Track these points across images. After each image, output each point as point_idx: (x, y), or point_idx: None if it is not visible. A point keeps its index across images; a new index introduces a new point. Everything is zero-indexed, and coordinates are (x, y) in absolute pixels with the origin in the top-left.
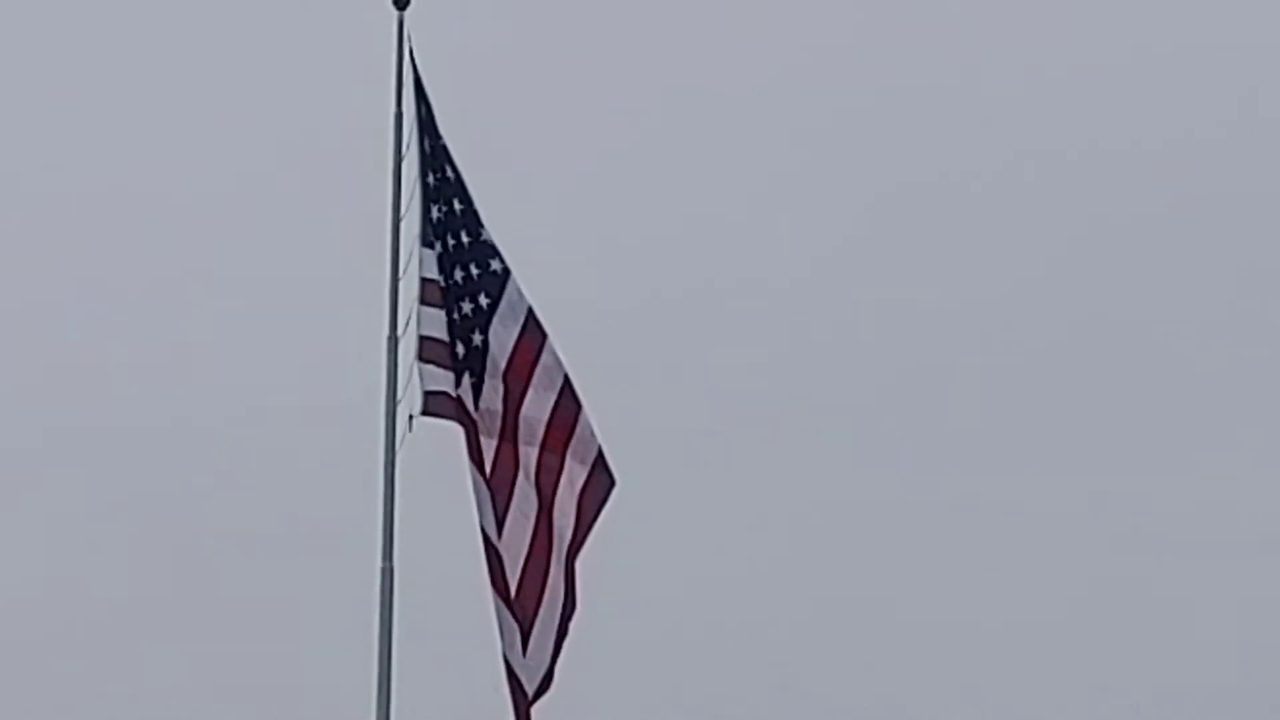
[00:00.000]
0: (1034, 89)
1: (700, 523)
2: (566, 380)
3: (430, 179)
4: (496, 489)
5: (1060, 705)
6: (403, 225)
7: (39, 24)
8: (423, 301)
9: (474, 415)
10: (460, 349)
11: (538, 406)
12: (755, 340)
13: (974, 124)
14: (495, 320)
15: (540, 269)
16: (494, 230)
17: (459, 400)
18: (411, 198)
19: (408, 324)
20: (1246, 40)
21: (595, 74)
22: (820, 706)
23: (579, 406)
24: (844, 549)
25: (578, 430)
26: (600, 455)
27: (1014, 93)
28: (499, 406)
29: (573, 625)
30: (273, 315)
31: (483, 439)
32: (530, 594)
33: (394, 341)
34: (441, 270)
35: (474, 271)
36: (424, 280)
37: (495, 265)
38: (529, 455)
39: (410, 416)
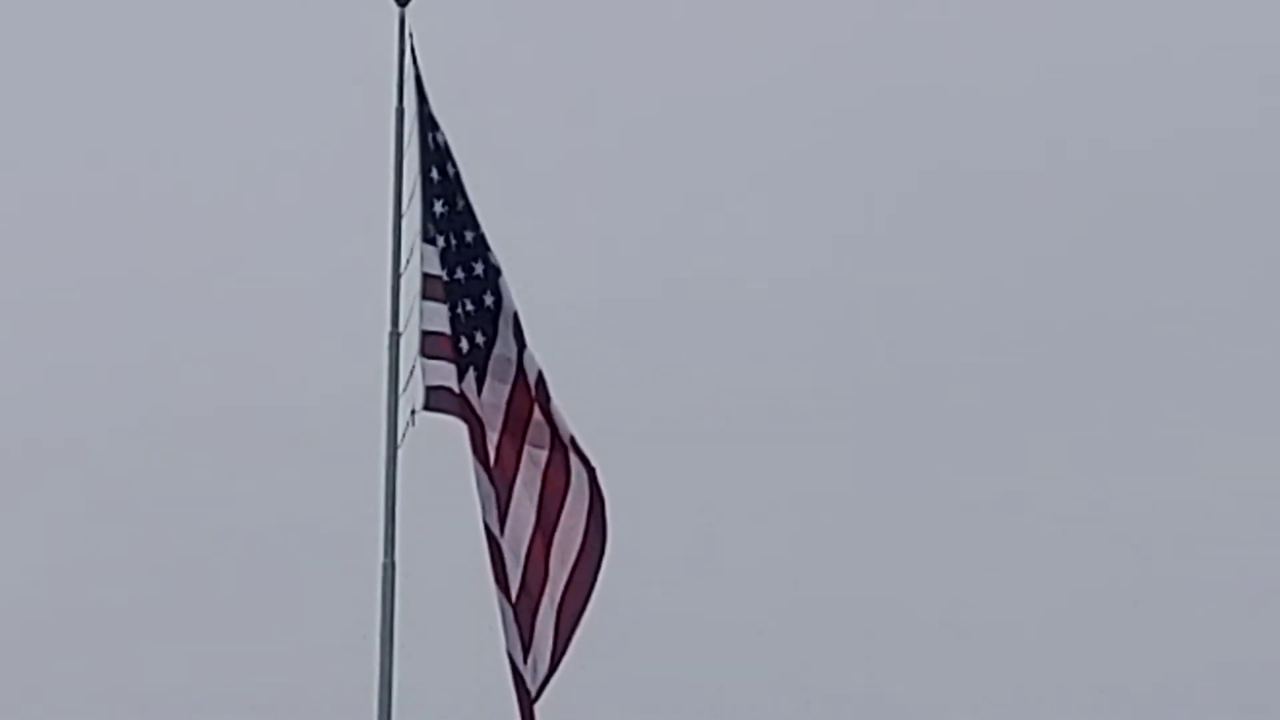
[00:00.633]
0: (1041, 84)
1: (701, 522)
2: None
3: (433, 175)
4: (498, 485)
5: (1060, 705)
6: (404, 221)
7: (39, 24)
8: (425, 296)
9: (478, 410)
10: (464, 344)
11: (544, 413)
12: (756, 338)
13: (980, 121)
14: (500, 320)
15: (540, 266)
16: (493, 228)
17: (462, 395)
18: (413, 194)
19: (409, 319)
20: (1255, 35)
21: (596, 71)
22: (820, 706)
23: (567, 428)
24: (845, 547)
25: (575, 442)
26: (574, 443)
27: (1021, 89)
28: (502, 402)
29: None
30: (274, 311)
31: (486, 435)
32: (532, 591)
33: (395, 337)
34: (444, 266)
35: (477, 269)
36: (426, 275)
37: (492, 259)
38: (537, 456)
39: (412, 411)
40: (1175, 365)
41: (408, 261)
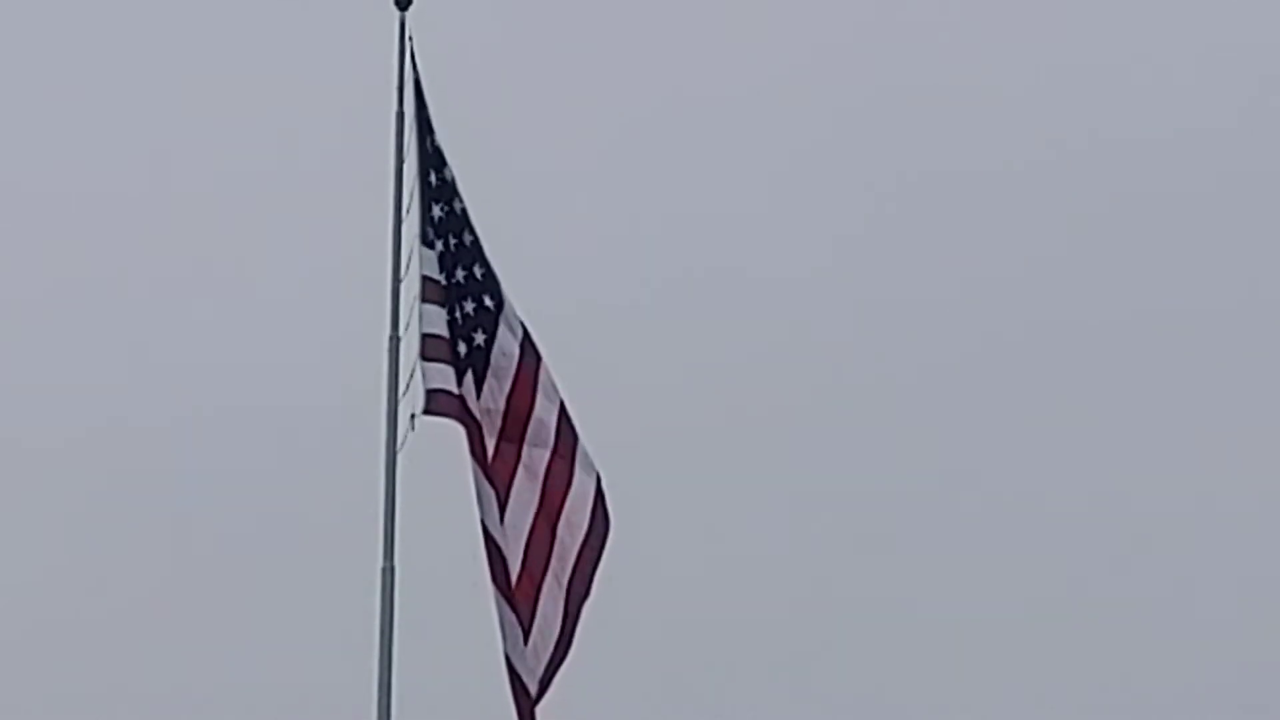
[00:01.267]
0: (1042, 84)
1: (701, 521)
2: (562, 402)
3: (432, 178)
4: (497, 487)
5: (1060, 705)
6: (404, 224)
7: (39, 24)
8: (424, 299)
9: (475, 413)
10: (462, 347)
11: (546, 414)
12: (756, 338)
13: (980, 121)
14: (501, 322)
15: (541, 267)
16: (493, 229)
17: (461, 398)
18: (412, 197)
19: (409, 323)
20: (1255, 35)
21: (595, 73)
22: (820, 706)
23: (575, 431)
24: (845, 546)
25: (580, 446)
26: (599, 482)
27: (1021, 89)
28: (500, 405)
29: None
30: (275, 315)
31: (484, 437)
32: (530, 593)
33: (395, 341)
34: (443, 269)
35: (477, 271)
36: (425, 278)
37: (483, 272)
38: (537, 457)
39: (412, 415)
40: (1175, 365)
41: (407, 265)
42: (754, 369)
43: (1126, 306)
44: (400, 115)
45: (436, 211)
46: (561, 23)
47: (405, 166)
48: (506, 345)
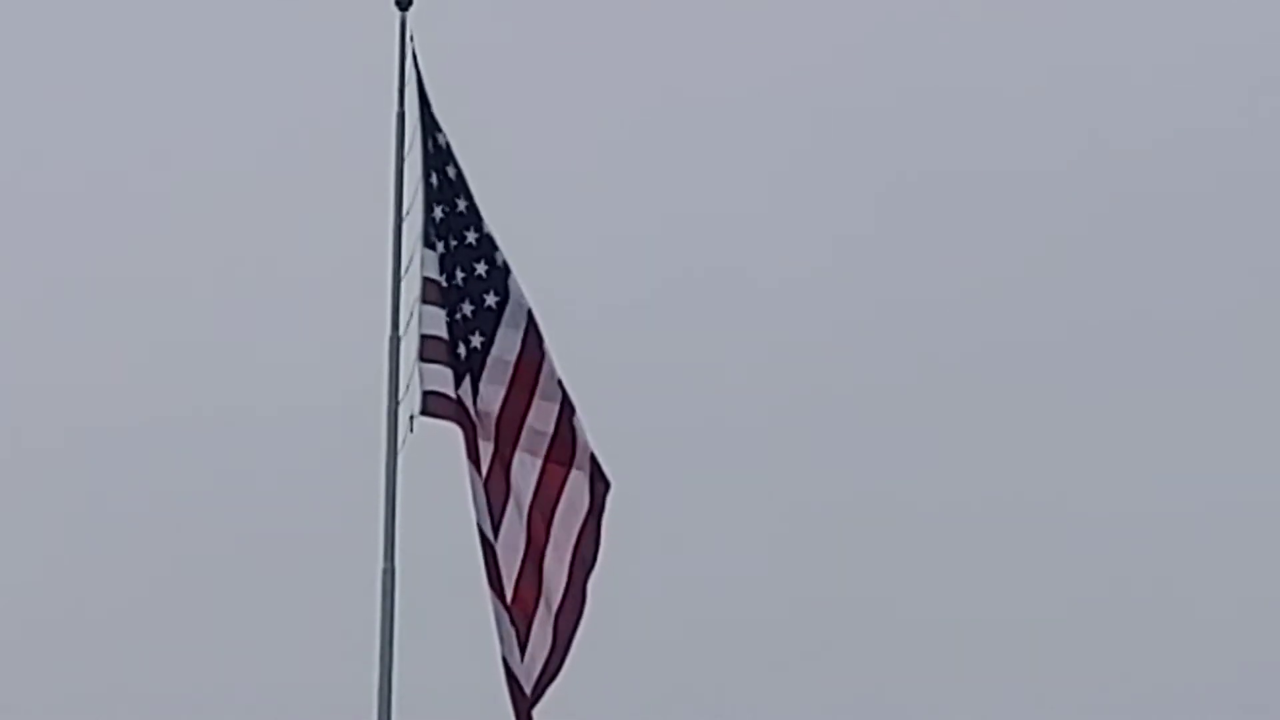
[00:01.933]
0: (1042, 84)
1: (701, 521)
2: (564, 389)
3: (433, 179)
4: (492, 491)
5: (1060, 705)
6: (405, 225)
7: (39, 25)
8: (424, 300)
9: (473, 416)
10: (461, 350)
11: (542, 418)
12: (755, 338)
13: (981, 121)
14: (501, 324)
15: (542, 267)
16: (495, 228)
17: (459, 401)
18: (414, 198)
19: (409, 324)
20: (1254, 35)
21: (597, 73)
22: (820, 706)
23: (574, 412)
24: (845, 547)
25: (578, 440)
26: (594, 460)
27: (1021, 89)
28: (495, 410)
29: (577, 637)
30: (276, 315)
31: (480, 441)
32: (526, 596)
33: (396, 341)
34: (443, 271)
35: (479, 270)
36: (425, 279)
37: (499, 258)
38: (530, 463)
39: (411, 417)
40: (1175, 366)
41: (408, 265)
42: (754, 369)
43: (1127, 307)
44: (401, 115)
45: (437, 213)
46: (562, 23)
47: (406, 166)
48: (505, 348)
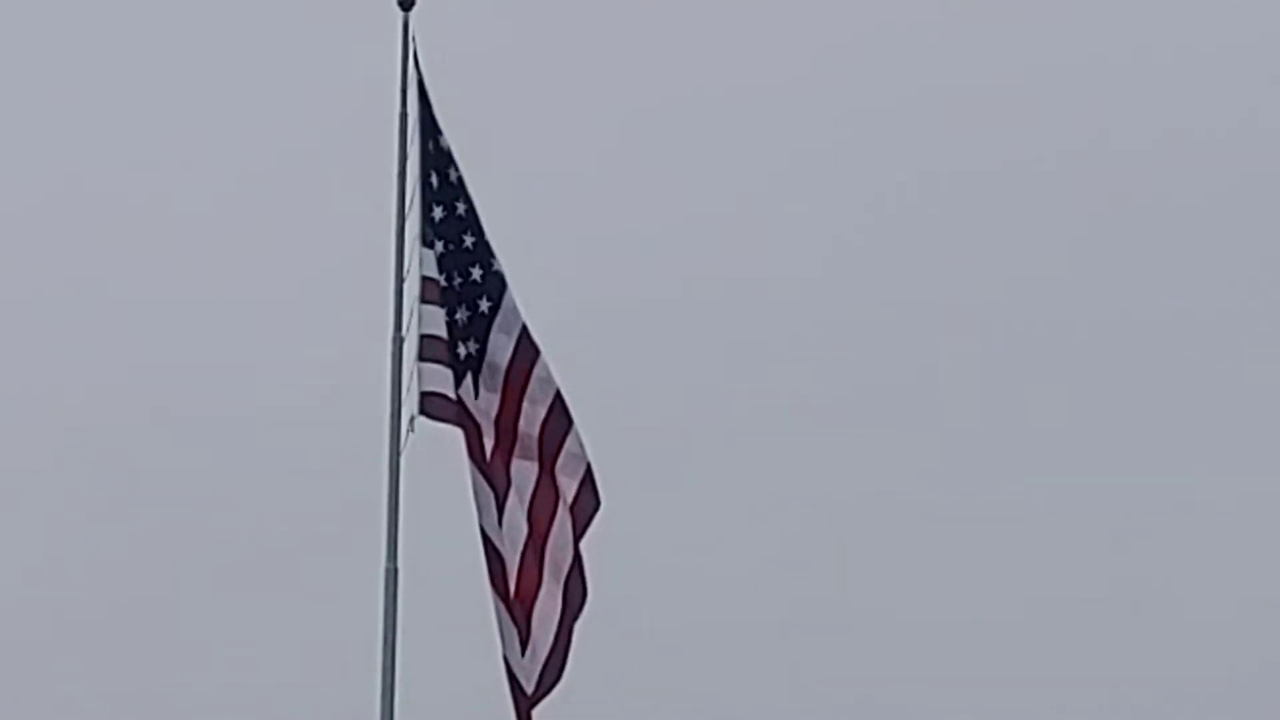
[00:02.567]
0: (1041, 85)
1: (700, 521)
2: (558, 394)
3: (433, 179)
4: (494, 482)
5: (1060, 705)
6: (407, 224)
7: (39, 24)
8: (424, 300)
9: (474, 414)
10: (461, 350)
11: (531, 422)
12: (754, 338)
13: (980, 121)
14: (494, 328)
15: (543, 267)
16: (496, 229)
17: (459, 401)
18: (414, 197)
19: (410, 323)
20: (1254, 35)
21: (598, 73)
22: (820, 706)
23: (570, 422)
24: (844, 547)
25: (567, 446)
26: (589, 473)
27: (1020, 89)
28: (494, 411)
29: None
30: (277, 315)
31: (484, 438)
32: (526, 596)
33: (399, 341)
34: (441, 271)
35: (474, 274)
36: (425, 279)
37: (496, 266)
38: (525, 469)
39: (411, 417)
40: (1174, 366)
41: (410, 266)
42: (753, 370)
43: (1126, 307)
44: (403, 116)
45: (436, 213)
46: (564, 23)
47: (409, 166)
48: (497, 354)
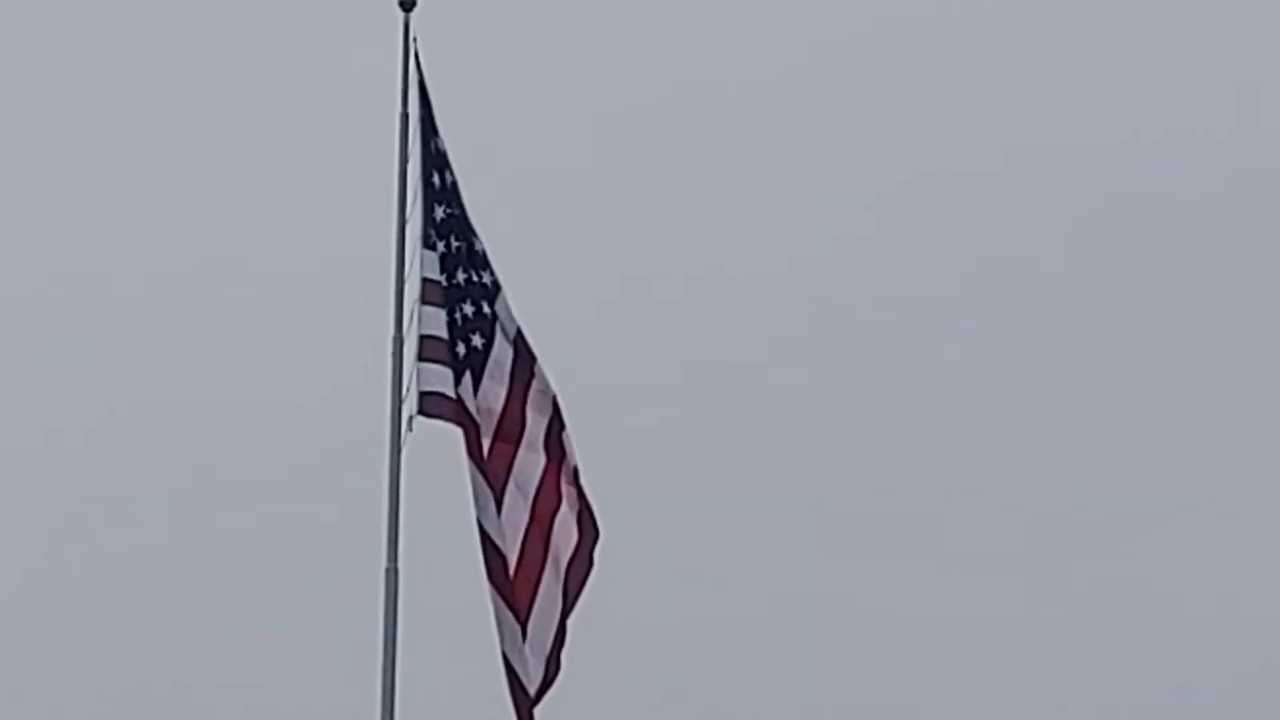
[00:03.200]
0: (1040, 85)
1: (698, 521)
2: (556, 406)
3: (435, 180)
4: (493, 476)
5: (1060, 705)
6: (408, 225)
7: (40, 24)
8: (423, 301)
9: (473, 413)
10: (461, 349)
11: (536, 424)
12: (752, 338)
13: (977, 122)
14: (499, 329)
15: (543, 266)
16: (495, 228)
17: (459, 399)
18: (415, 197)
19: (410, 323)
20: (1254, 35)
21: (598, 73)
22: (820, 706)
23: (563, 427)
24: (842, 547)
25: (568, 456)
26: (587, 505)
27: (1019, 89)
28: (498, 407)
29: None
30: (277, 315)
31: (482, 438)
32: (525, 591)
33: (399, 341)
34: (444, 270)
35: (483, 278)
36: (425, 280)
37: (486, 279)
38: (530, 460)
39: (409, 416)
40: (1174, 365)
41: (410, 266)
42: (751, 369)
43: (1125, 307)
44: (404, 116)
45: (440, 213)
46: (564, 24)
47: (409, 167)
48: (501, 353)
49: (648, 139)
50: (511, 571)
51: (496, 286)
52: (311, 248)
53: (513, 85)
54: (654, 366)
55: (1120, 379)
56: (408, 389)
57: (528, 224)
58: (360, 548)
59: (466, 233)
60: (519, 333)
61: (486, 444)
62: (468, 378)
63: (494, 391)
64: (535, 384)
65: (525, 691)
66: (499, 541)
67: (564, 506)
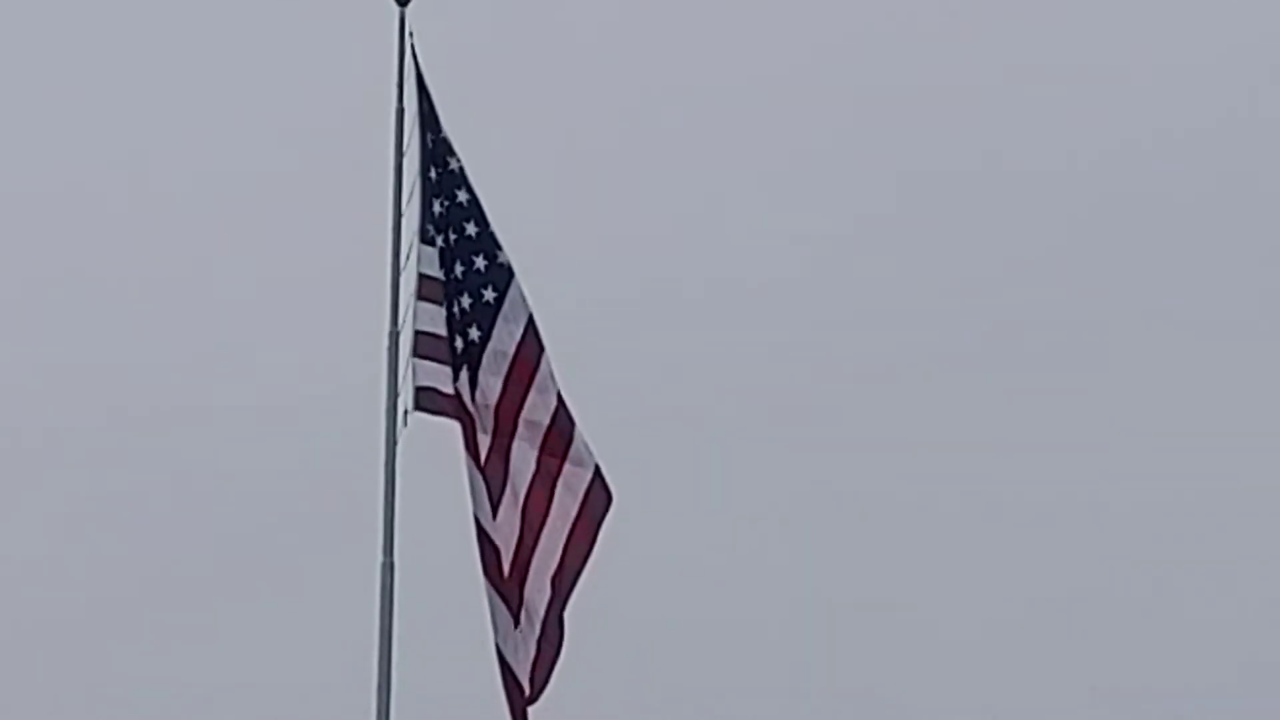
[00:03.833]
0: (1039, 85)
1: (697, 520)
2: (559, 395)
3: (432, 173)
4: (490, 474)
5: (1059, 705)
6: (404, 220)
7: (38, 24)
8: (419, 297)
9: (470, 408)
10: (459, 343)
11: (538, 410)
12: (750, 338)
13: (977, 120)
14: (499, 318)
15: (540, 264)
16: (493, 223)
17: (456, 394)
18: (412, 193)
19: (406, 318)
20: (1253, 35)
21: (595, 71)
22: (820, 706)
23: (572, 422)
24: (841, 547)
25: (576, 439)
26: (598, 470)
27: (1017, 89)
28: (494, 401)
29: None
30: (273, 310)
31: (479, 434)
32: (520, 583)
33: (395, 336)
34: (442, 265)
35: (479, 264)
36: (422, 276)
37: (502, 258)
38: (525, 453)
39: (404, 412)
40: (1171, 365)
41: (407, 259)
42: (749, 369)
43: (1124, 306)
44: (400, 111)
45: (437, 207)
46: (560, 20)
47: (405, 162)
48: (503, 341)
49: (643, 134)
50: (507, 567)
51: (509, 271)
52: (308, 243)
53: (508, 79)
54: (654, 366)
55: (1118, 377)
56: (404, 384)
57: (527, 223)
58: (357, 542)
59: (469, 219)
60: (530, 319)
61: (484, 439)
62: (464, 373)
63: (491, 385)
64: (543, 365)
65: (519, 687)
66: (494, 535)
67: (560, 498)
